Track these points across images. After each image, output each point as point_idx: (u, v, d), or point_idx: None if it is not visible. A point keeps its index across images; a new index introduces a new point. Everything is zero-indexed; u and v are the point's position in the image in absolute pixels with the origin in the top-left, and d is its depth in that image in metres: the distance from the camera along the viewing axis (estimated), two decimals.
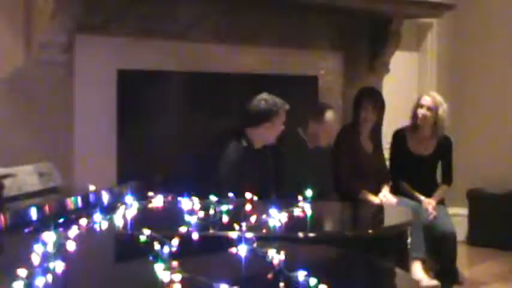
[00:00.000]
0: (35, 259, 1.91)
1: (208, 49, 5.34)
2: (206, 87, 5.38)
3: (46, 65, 4.49)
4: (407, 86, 7.67)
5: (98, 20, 4.69)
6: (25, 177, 2.89)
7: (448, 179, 6.50)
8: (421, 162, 6.38)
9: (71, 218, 2.52)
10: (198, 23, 5.26)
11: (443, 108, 6.26)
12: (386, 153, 6.58)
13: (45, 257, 1.94)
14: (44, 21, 4.37)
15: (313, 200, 2.95)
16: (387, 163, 6.52)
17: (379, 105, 6.20)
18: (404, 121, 6.54)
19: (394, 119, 6.76)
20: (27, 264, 1.85)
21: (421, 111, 6.27)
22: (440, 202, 6.35)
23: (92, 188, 2.90)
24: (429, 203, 6.17)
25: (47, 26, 4.37)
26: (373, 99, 6.18)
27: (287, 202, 2.88)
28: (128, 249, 2.44)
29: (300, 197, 2.97)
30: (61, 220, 2.51)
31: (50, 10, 4.33)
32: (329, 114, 5.75)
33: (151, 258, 2.03)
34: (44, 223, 2.46)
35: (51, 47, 4.45)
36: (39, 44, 4.42)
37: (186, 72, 5.26)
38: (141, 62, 4.95)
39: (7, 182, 2.72)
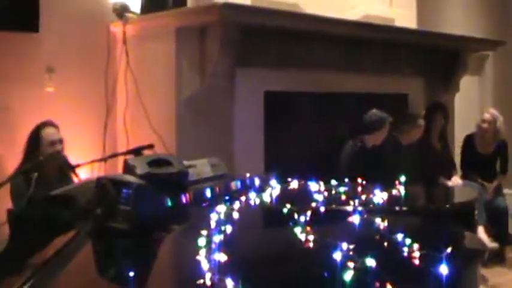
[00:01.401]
0: (212, 223, 1.94)
1: (329, 75, 5.31)
2: (327, 103, 5.35)
3: (214, 89, 4.55)
4: (472, 101, 7.50)
5: (250, 56, 4.73)
6: (202, 167, 2.93)
7: (504, 170, 6.49)
8: (484, 158, 6.40)
9: (234, 196, 2.54)
10: (322, 57, 5.24)
11: (499, 121, 6.38)
12: (459, 151, 6.55)
13: (219, 222, 1.97)
14: (213, 58, 4.43)
15: (406, 184, 2.91)
16: (456, 158, 6.51)
17: (444, 114, 6.20)
18: (470, 126, 6.57)
19: (462, 126, 6.73)
20: (207, 226, 1.88)
21: (483, 125, 6.38)
22: (498, 186, 6.32)
23: (247, 175, 2.93)
24: (489, 186, 6.20)
25: (215, 61, 4.43)
26: (440, 110, 6.19)
27: (387, 185, 2.84)
28: (274, 218, 2.45)
29: (396, 182, 2.93)
30: (227, 197, 2.54)
31: (217, 50, 4.40)
32: (421, 120, 5.74)
33: (291, 224, 2.03)
34: (216, 199, 2.49)
35: (218, 76, 4.51)
36: (210, 74, 4.49)
37: (312, 92, 5.23)
38: (281, 85, 4.96)
39: (190, 170, 2.77)
